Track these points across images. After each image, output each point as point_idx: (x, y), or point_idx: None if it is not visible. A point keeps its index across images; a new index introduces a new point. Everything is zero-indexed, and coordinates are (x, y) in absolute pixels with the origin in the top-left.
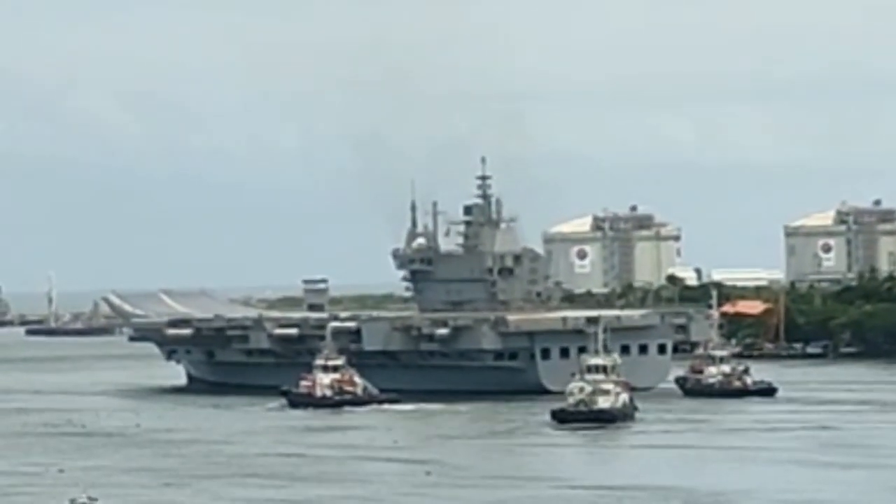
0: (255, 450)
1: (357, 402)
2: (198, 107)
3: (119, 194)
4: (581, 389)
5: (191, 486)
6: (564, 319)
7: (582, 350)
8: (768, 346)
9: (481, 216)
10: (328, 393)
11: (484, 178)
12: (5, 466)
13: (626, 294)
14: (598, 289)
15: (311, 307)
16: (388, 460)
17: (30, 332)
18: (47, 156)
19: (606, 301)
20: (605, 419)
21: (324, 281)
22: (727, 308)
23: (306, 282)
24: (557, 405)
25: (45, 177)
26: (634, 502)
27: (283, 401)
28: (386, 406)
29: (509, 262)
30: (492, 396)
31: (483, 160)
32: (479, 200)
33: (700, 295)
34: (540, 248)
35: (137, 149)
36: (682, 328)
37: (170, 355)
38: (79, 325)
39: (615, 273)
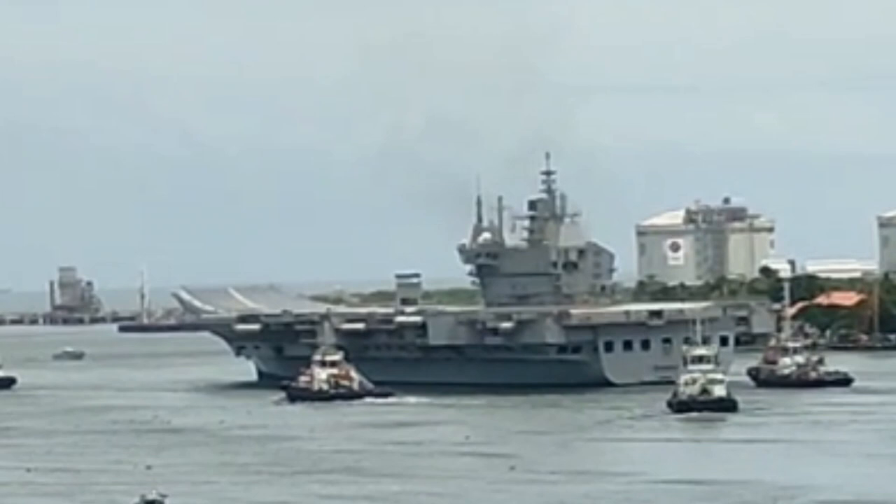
0: (334, 446)
1: (352, 395)
2: (285, 102)
3: (213, 190)
4: (694, 380)
5: (272, 483)
6: (627, 313)
7: (645, 343)
8: (863, 337)
9: (546, 211)
10: (325, 387)
11: (548, 173)
12: (96, 463)
13: (720, 286)
14: (691, 281)
15: (404, 301)
16: (469, 455)
17: (122, 329)
18: (137, 153)
19: (700, 293)
20: (727, 408)
21: (416, 275)
22: (821, 299)
23: (399, 276)
24: (672, 397)
25: (137, 173)
26: (725, 497)
27: (283, 394)
28: (381, 400)
29: (573, 257)
30: (555, 390)
31: (547, 155)
32: (544, 195)
33: (794, 286)
34: (633, 241)
35: (228, 146)
36: (744, 320)
37: (239, 351)
38: (171, 321)
39: (708, 266)
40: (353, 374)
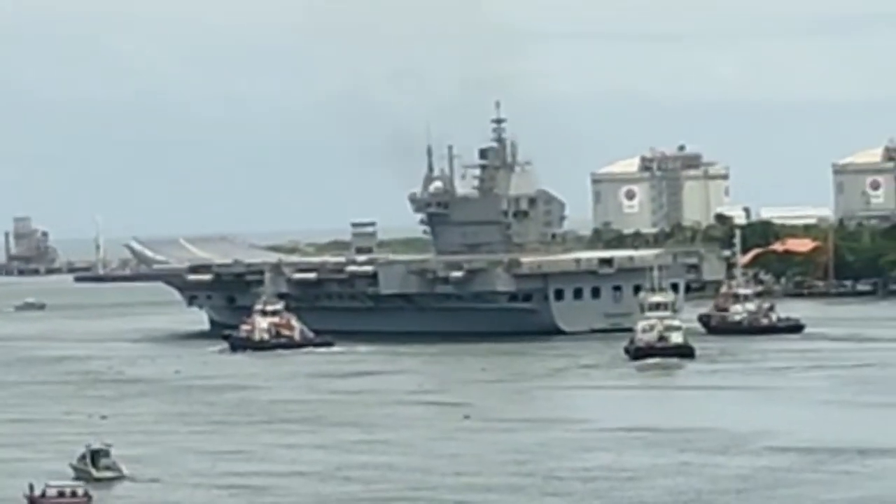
0: (289, 395)
1: (293, 345)
2: (243, 52)
3: (169, 140)
4: (652, 327)
5: (228, 433)
6: (578, 261)
7: (595, 291)
8: (818, 283)
9: (496, 159)
10: (266, 336)
11: (499, 121)
12: (50, 414)
13: (675, 234)
14: (646, 229)
15: (359, 250)
16: (423, 403)
17: (78, 279)
18: (92, 101)
19: (655, 241)
20: (684, 354)
21: (372, 224)
22: (776, 246)
23: (354, 225)
24: (629, 343)
25: (92, 122)
26: (679, 444)
27: (225, 344)
28: (324, 349)
29: (524, 205)
30: (507, 338)
31: (497, 104)
32: (495, 144)
33: (749, 233)
34: (588, 189)
35: (186, 94)
36: (695, 267)
37: (191, 301)
38: (127, 272)
39: (664, 213)
40: (295, 323)
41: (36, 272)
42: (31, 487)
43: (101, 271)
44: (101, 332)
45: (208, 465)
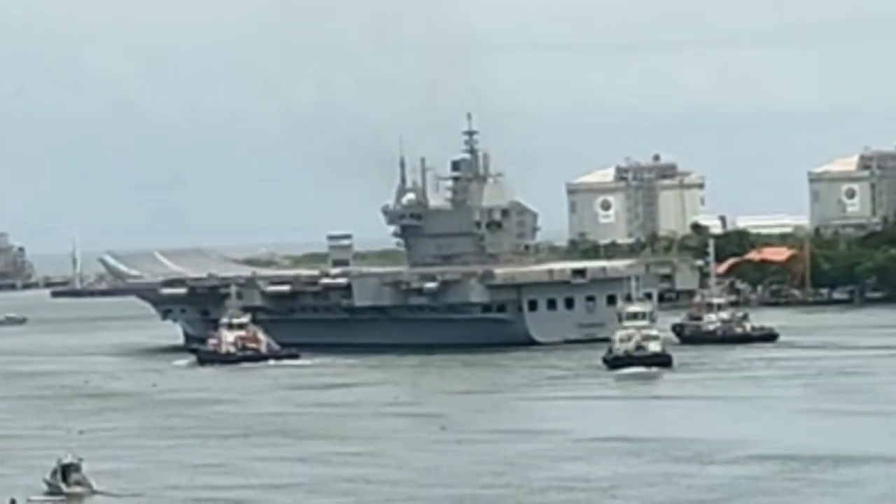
0: (265, 408)
1: (260, 357)
2: (212, 65)
3: (144, 154)
4: (630, 336)
5: (205, 446)
6: (551, 271)
7: (569, 301)
8: (794, 292)
9: (469, 171)
10: (232, 350)
11: (471, 133)
12: (28, 429)
13: (651, 244)
14: (622, 239)
15: (336, 263)
16: (400, 415)
17: (55, 294)
18: (66, 115)
19: (631, 251)
20: (662, 363)
21: (348, 237)
22: (752, 255)
23: (331, 237)
24: (607, 353)
25: (66, 137)
26: (654, 454)
27: (193, 358)
28: (290, 362)
29: (497, 216)
30: (481, 349)
31: (469, 116)
32: (467, 156)
33: (725, 242)
34: (564, 199)
35: (159, 108)
36: (668, 277)
37: (165, 314)
38: (103, 286)
39: (639, 223)
40: (261, 336)
41: (13, 287)
42: (13, 502)
43: (77, 286)
44: (77, 347)
45: (186, 478)
